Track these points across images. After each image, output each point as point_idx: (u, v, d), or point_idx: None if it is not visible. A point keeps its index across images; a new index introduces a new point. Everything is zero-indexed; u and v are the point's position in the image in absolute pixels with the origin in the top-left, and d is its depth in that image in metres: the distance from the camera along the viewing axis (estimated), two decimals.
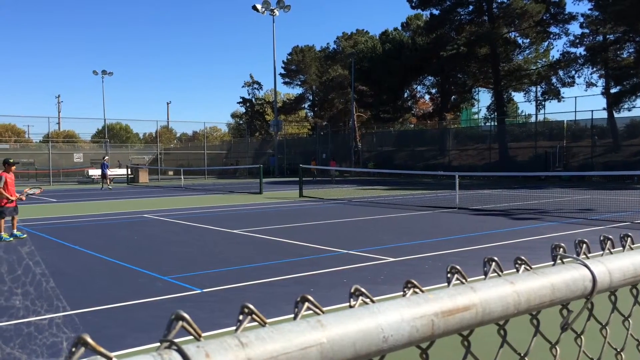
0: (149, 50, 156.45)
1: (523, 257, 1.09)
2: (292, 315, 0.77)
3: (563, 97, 45.32)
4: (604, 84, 40.82)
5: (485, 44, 43.55)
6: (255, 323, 0.73)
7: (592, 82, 42.09)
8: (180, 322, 0.66)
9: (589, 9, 38.80)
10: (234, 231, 12.89)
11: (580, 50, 41.39)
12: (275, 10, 48.96)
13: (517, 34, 45.35)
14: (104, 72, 65.03)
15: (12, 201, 11.90)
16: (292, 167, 48.08)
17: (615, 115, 39.59)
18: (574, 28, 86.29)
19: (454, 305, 0.88)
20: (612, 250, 1.28)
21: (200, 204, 21.13)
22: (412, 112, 62.56)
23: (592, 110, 38.28)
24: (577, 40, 40.80)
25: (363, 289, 0.84)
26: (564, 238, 11.13)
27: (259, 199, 23.14)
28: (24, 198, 12.47)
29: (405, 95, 58.24)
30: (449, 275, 0.99)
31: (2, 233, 11.66)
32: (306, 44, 67.36)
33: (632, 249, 1.32)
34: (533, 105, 55.92)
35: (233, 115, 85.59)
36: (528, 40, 45.83)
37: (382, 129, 54.93)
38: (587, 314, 1.23)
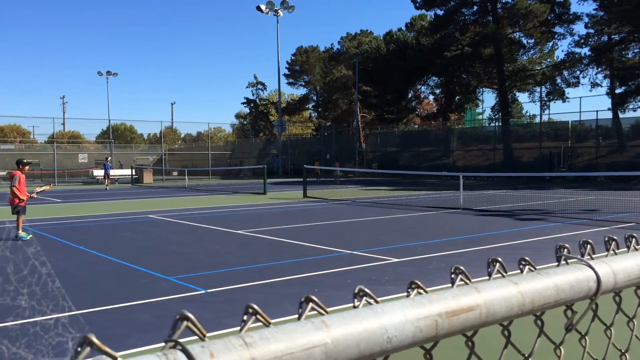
0: (153, 51, 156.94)
1: (527, 258, 1.09)
2: (296, 316, 0.77)
3: (568, 98, 45.23)
4: (609, 84, 40.67)
5: (490, 44, 43.45)
6: (260, 323, 0.73)
7: (597, 83, 41.96)
8: (185, 322, 0.66)
9: (594, 9, 38.70)
10: (238, 231, 12.90)
11: (585, 51, 41.30)
12: (279, 11, 48.98)
13: (521, 34, 45.24)
14: (108, 72, 65.15)
15: (23, 200, 12.01)
16: (296, 167, 48.11)
17: (621, 115, 39.46)
18: (579, 28, 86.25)
19: (458, 305, 0.89)
20: (616, 251, 1.28)
21: (205, 204, 21.15)
22: (417, 112, 62.51)
23: (597, 111, 38.17)
24: (582, 41, 40.69)
25: (367, 290, 0.85)
26: (569, 239, 11.10)
27: (263, 199, 23.15)
28: (34, 196, 12.63)
29: (410, 95, 58.18)
30: (453, 275, 0.99)
31: (21, 232, 11.72)
32: (310, 44, 67.58)
33: (637, 249, 1.32)
34: (538, 105, 55.66)
35: (237, 116, 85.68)
36: (533, 40, 45.71)
37: (386, 129, 54.87)
38: (592, 314, 1.23)
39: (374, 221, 14.85)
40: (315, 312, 0.79)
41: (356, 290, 0.85)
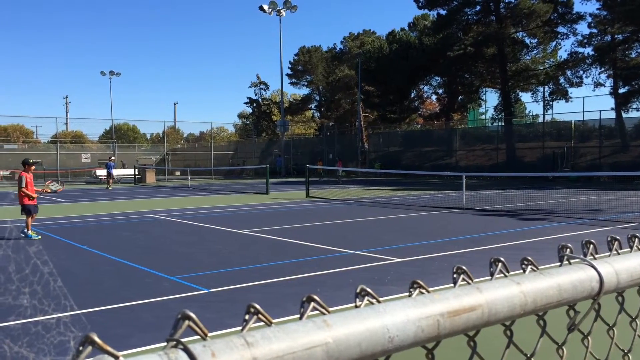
0: (156, 51, 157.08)
1: (530, 258, 1.09)
2: (298, 315, 0.77)
3: (571, 97, 45.20)
4: (612, 84, 40.61)
5: (493, 44, 43.40)
6: (261, 323, 0.73)
7: (600, 82, 41.92)
8: (187, 322, 0.66)
9: (597, 9, 38.66)
10: (241, 231, 12.91)
11: (588, 50, 41.24)
12: (281, 11, 48.99)
13: (524, 34, 45.17)
14: (111, 72, 65.26)
15: (33, 199, 12.08)
16: (299, 167, 48.10)
17: (624, 115, 39.41)
18: (582, 28, 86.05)
19: (460, 305, 0.88)
20: (619, 251, 1.27)
21: (207, 204, 21.17)
22: (419, 112, 62.47)
23: (600, 111, 38.07)
24: (585, 40, 40.63)
25: (369, 289, 0.85)
26: (571, 239, 11.08)
27: (266, 199, 23.16)
28: (48, 190, 12.71)
29: (412, 95, 58.15)
30: (455, 275, 0.99)
31: (30, 231, 11.77)
32: (313, 44, 67.61)
33: (639, 249, 1.31)
34: (541, 105, 55.72)
35: (240, 116, 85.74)
36: (536, 40, 45.64)
37: (389, 129, 54.85)
38: (594, 314, 1.23)
39: (376, 221, 14.84)
40: (317, 311, 0.78)
41: (358, 290, 0.85)
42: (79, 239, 11.87)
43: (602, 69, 41.32)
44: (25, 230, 12.04)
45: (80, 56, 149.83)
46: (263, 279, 7.78)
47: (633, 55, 39.14)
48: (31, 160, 12.47)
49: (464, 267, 0.99)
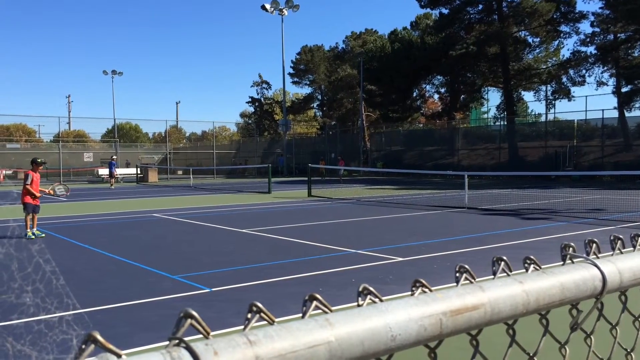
0: (158, 50, 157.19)
1: (532, 257, 1.09)
2: (301, 315, 0.77)
3: (573, 97, 45.11)
4: (614, 83, 40.54)
5: (495, 43, 43.35)
6: (264, 322, 0.73)
7: (603, 81, 41.83)
8: (189, 320, 0.66)
9: (600, 8, 38.59)
10: (243, 230, 12.91)
11: (591, 49, 41.16)
12: (284, 10, 48.99)
13: (527, 33, 45.11)
14: (113, 72, 65.33)
15: (36, 198, 12.09)
16: (301, 166, 48.10)
17: (626, 114, 39.34)
18: (585, 27, 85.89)
19: (462, 304, 0.88)
20: (622, 250, 1.27)
21: (209, 203, 21.19)
22: (421, 111, 62.42)
23: (602, 110, 38.06)
24: (588, 39, 40.55)
25: (371, 288, 0.84)
26: (574, 238, 11.06)
27: (268, 198, 23.17)
28: (52, 193, 12.75)
29: (414, 94, 58.13)
30: (457, 274, 0.99)
31: (28, 230, 11.77)
32: (315, 43, 67.53)
33: None
34: (543, 104, 55.68)
35: (242, 115, 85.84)
36: (538, 39, 45.59)
37: (391, 128, 54.83)
38: (597, 314, 1.22)
39: (378, 220, 14.84)
40: (319, 310, 0.78)
41: (360, 289, 0.85)
42: (81, 238, 11.89)
43: (605, 68, 41.25)
44: (34, 230, 12.06)
45: (82, 55, 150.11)
46: (265, 278, 7.78)
47: (636, 54, 39.06)
48: (39, 160, 12.50)
49: (466, 266, 0.99)
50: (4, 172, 41.11)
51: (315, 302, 0.78)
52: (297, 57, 64.82)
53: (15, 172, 43.33)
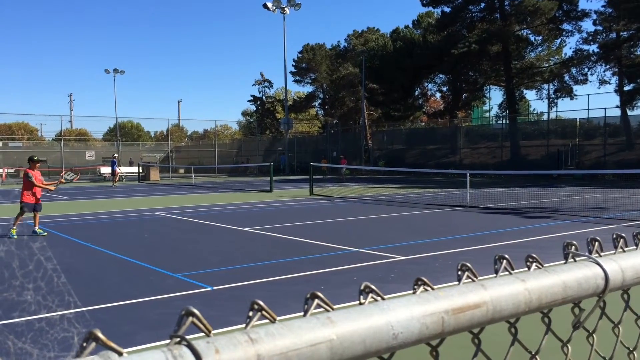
0: (160, 49, 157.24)
1: (534, 255, 1.09)
2: (302, 313, 0.77)
3: (576, 95, 45.00)
4: (617, 82, 40.45)
5: (497, 41, 43.28)
6: (265, 320, 0.73)
7: (605, 80, 41.75)
8: (190, 318, 0.66)
9: (602, 6, 38.51)
10: (245, 229, 12.92)
11: (593, 48, 41.09)
12: (285, 9, 48.95)
13: (529, 32, 45.04)
14: (115, 70, 65.35)
15: (35, 196, 12.12)
16: (303, 165, 48.11)
17: (629, 113, 39.24)
18: (587, 25, 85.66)
19: (464, 302, 0.88)
20: (624, 248, 1.27)
21: (211, 201, 21.20)
22: (423, 110, 62.37)
23: (605, 108, 37.98)
24: (590, 38, 40.48)
25: (373, 286, 0.84)
26: (576, 237, 11.05)
27: (270, 197, 23.18)
28: (63, 181, 12.84)
29: (416, 93, 58.05)
30: (459, 272, 0.99)
31: (13, 229, 11.76)
32: (317, 42, 67.36)
33: None
34: (545, 103, 55.59)
35: (244, 114, 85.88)
36: (540, 37, 45.50)
37: (393, 127, 54.80)
38: (599, 312, 1.22)
39: (380, 219, 14.84)
40: (321, 309, 0.78)
41: (362, 287, 0.84)
42: (83, 237, 11.90)
43: (607, 67, 41.17)
44: (35, 228, 12.08)
45: (84, 54, 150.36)
46: (267, 277, 7.79)
47: (638, 53, 38.97)
48: (35, 158, 12.49)
49: (468, 264, 0.99)
50: (6, 170, 41.15)
51: (316, 301, 0.78)
52: (299, 55, 64.79)
53: (17, 170, 43.36)
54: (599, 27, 39.70)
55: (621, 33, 38.71)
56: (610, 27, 38.57)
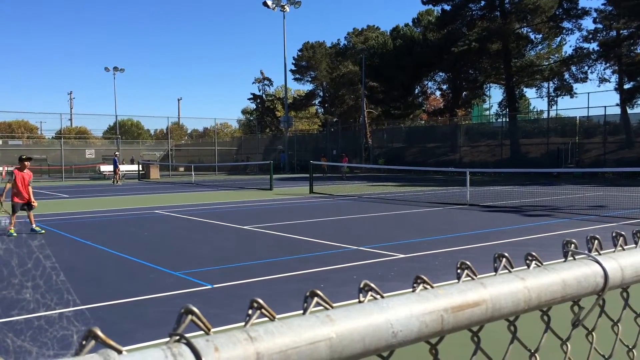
0: (160, 47, 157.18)
1: (534, 253, 1.09)
2: (302, 311, 0.77)
3: (576, 93, 45.00)
4: (617, 80, 40.43)
5: (497, 39, 43.26)
6: (265, 318, 0.73)
7: (605, 78, 41.75)
8: (190, 316, 0.66)
9: (602, 4, 38.48)
10: (244, 227, 12.92)
11: (593, 46, 41.09)
12: (285, 6, 48.89)
13: (529, 30, 45.00)
14: (115, 68, 65.20)
15: (21, 196, 12.02)
16: (303, 163, 48.11)
17: (629, 111, 39.24)
18: (587, 23, 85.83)
19: (463, 300, 0.88)
20: (624, 246, 1.27)
21: (211, 200, 21.20)
22: (423, 108, 62.34)
23: (605, 106, 37.91)
24: (590, 36, 40.46)
25: (372, 285, 0.84)
26: (576, 235, 11.05)
27: (270, 195, 23.18)
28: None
29: (416, 91, 58.03)
30: (459, 271, 0.99)
31: (11, 228, 11.77)
32: (317, 40, 67.33)
33: None
34: (545, 101, 55.49)
35: (244, 112, 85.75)
36: (540, 35, 45.47)
37: (393, 125, 54.79)
38: (599, 310, 1.22)
39: (379, 217, 14.84)
40: (320, 307, 0.78)
41: (362, 285, 0.84)
42: (83, 235, 11.91)
43: (607, 65, 41.16)
44: (32, 226, 12.07)
45: (84, 52, 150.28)
46: (266, 275, 7.79)
47: (638, 51, 38.96)
48: (24, 157, 12.30)
49: (467, 263, 0.99)
50: (6, 168, 41.13)
51: (316, 299, 0.78)
52: (299, 53, 64.73)
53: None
54: (599, 25, 39.69)
55: (621, 31, 38.68)
56: (611, 25, 38.54)
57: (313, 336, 0.71)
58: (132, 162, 47.67)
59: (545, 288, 1.01)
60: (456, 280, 0.96)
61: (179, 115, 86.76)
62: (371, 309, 0.79)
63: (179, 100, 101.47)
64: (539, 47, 47.09)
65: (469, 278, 0.97)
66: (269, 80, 71.78)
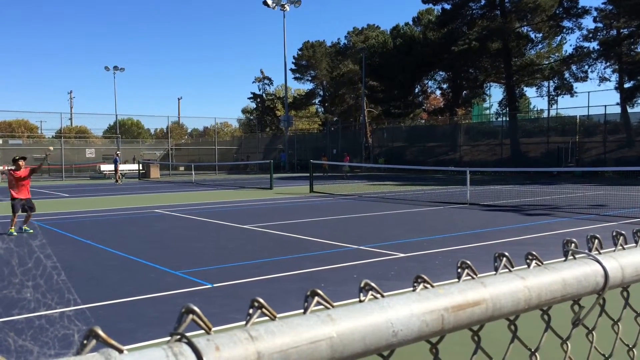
0: (160, 46, 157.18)
1: (534, 253, 1.09)
2: (302, 310, 0.77)
3: (576, 92, 44.98)
4: (617, 79, 40.41)
5: (497, 38, 43.24)
6: (265, 317, 0.73)
7: (606, 77, 41.72)
8: (191, 316, 0.66)
9: (603, 3, 38.44)
10: (245, 226, 12.92)
11: (594, 45, 41.09)
12: (285, 6, 48.88)
13: (529, 29, 44.98)
14: (115, 68, 65.16)
15: (19, 195, 12.05)
16: (303, 162, 48.10)
17: (629, 110, 39.22)
18: (588, 22, 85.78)
19: (464, 300, 0.88)
20: (624, 246, 1.27)
21: (211, 199, 21.20)
22: (423, 107, 62.32)
23: (605, 106, 37.89)
24: (591, 35, 40.43)
25: (373, 284, 0.84)
26: (576, 234, 11.05)
27: (270, 194, 23.17)
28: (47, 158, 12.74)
29: (416, 90, 58.00)
30: (459, 270, 0.99)
31: (12, 228, 11.78)
32: (317, 39, 67.43)
33: None
34: (545, 100, 55.40)
35: (244, 111, 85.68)
36: (541, 34, 45.44)
37: (393, 124, 54.77)
38: (599, 309, 1.22)
39: (380, 216, 14.84)
40: (321, 306, 0.78)
41: (362, 285, 0.85)
42: (83, 234, 11.91)
43: (608, 64, 41.13)
44: (23, 226, 12.07)
45: (84, 51, 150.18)
46: (267, 274, 7.79)
47: (639, 50, 38.94)
48: (16, 157, 12.32)
49: (468, 262, 0.99)
50: (6, 167, 41.20)
51: (316, 298, 0.78)
52: (299, 52, 64.73)
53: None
54: (600, 24, 39.66)
55: (621, 30, 38.67)
56: (611, 24, 38.54)
57: (314, 335, 0.71)
58: (133, 161, 47.70)
59: (545, 287, 1.01)
60: (456, 280, 0.96)
61: (179, 115, 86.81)
62: (372, 308, 0.79)
63: (179, 99, 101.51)
64: (539, 46, 47.07)
65: (470, 277, 0.97)
66: (269, 79, 71.83)
